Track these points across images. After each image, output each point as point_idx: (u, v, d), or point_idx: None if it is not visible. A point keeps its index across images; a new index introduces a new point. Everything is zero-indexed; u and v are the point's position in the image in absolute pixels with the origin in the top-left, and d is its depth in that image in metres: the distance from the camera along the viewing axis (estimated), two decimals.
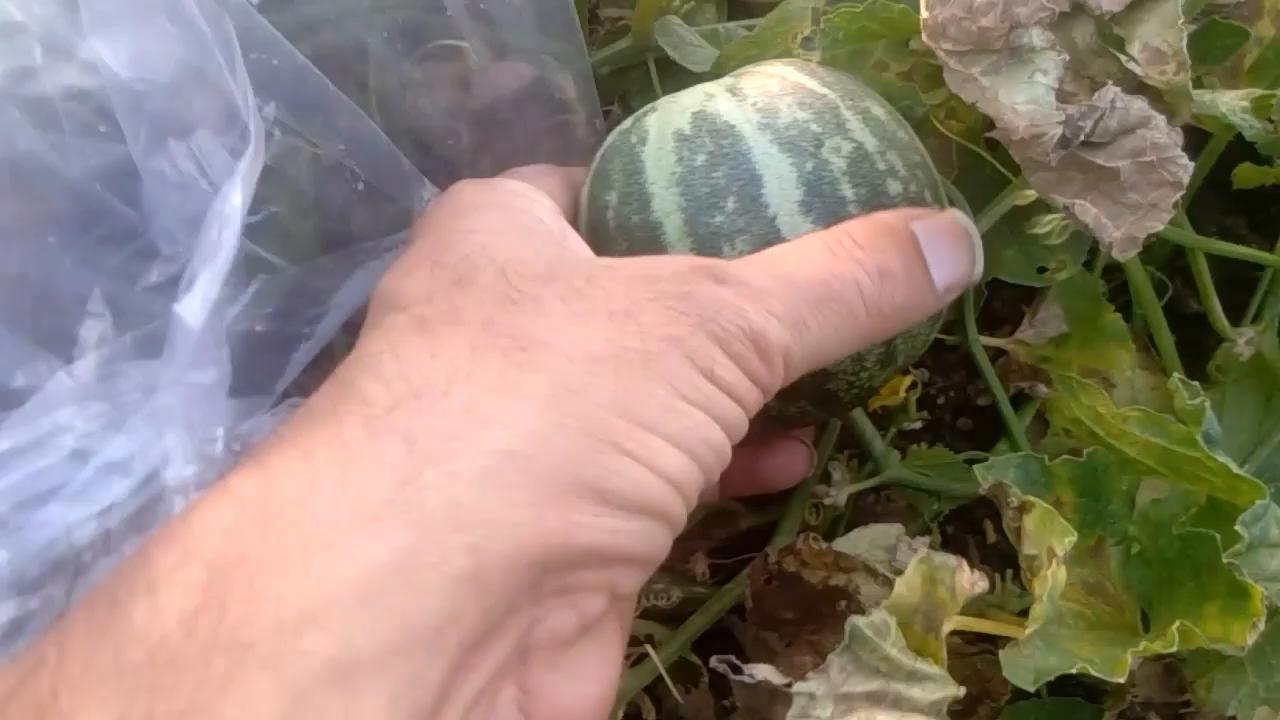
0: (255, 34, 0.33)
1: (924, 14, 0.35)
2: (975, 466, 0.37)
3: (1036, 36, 0.34)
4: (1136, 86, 0.35)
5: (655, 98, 0.54)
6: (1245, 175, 0.50)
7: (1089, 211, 0.35)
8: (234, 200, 0.28)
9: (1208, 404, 0.34)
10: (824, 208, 0.36)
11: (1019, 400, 0.52)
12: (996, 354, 0.52)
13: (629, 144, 0.39)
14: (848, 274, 0.33)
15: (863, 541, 0.40)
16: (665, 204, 0.37)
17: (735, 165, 0.37)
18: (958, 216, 0.37)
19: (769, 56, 0.45)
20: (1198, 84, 0.44)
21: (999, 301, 0.55)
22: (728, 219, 0.36)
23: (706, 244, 0.36)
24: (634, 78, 0.57)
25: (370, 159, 0.38)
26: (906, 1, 0.38)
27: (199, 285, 0.27)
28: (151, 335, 0.30)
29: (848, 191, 0.36)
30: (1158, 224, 0.34)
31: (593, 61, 0.54)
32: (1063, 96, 0.35)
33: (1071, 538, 0.32)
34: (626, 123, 0.41)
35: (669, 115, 0.39)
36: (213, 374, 0.28)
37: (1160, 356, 0.51)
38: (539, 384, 0.28)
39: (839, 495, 0.43)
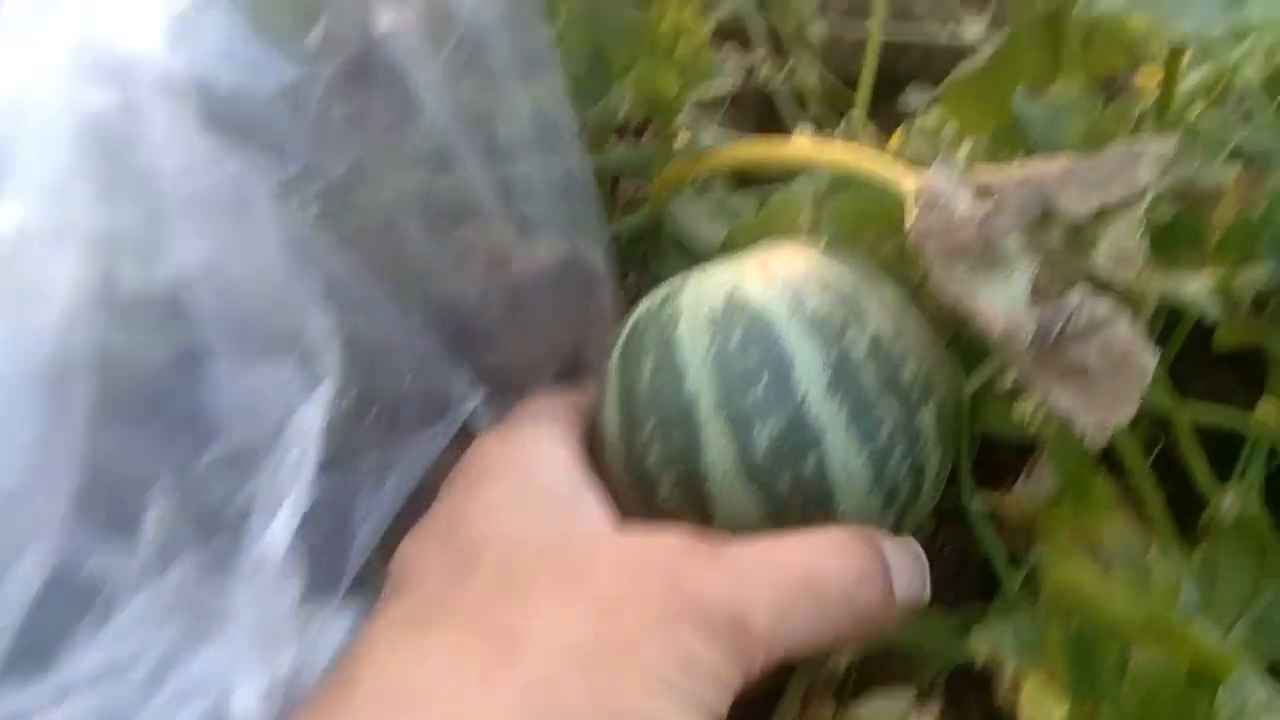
0: (321, 252, 0.38)
1: (909, 219, 0.39)
2: (972, 636, 0.39)
3: (1011, 243, 0.38)
4: (1104, 284, 0.39)
5: (672, 263, 0.59)
6: (1223, 338, 0.53)
7: (1064, 400, 0.38)
8: (313, 425, 0.32)
9: (1184, 576, 0.37)
10: (847, 392, 0.40)
11: (1016, 556, 0.54)
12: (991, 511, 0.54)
13: (662, 320, 0.42)
14: (833, 572, 0.36)
15: (874, 712, 0.42)
16: (699, 382, 0.40)
17: (767, 348, 0.40)
18: (914, 546, 0.41)
19: (773, 236, 0.50)
20: (1172, 264, 0.48)
21: (991, 460, 0.58)
22: (759, 400, 0.39)
23: (739, 421, 0.39)
24: (651, 244, 0.62)
25: (415, 360, 0.43)
26: None
27: (282, 514, 0.31)
28: (225, 544, 0.33)
29: (869, 378, 0.40)
30: (1125, 416, 0.37)
31: (612, 231, 0.59)
32: (1038, 289, 0.39)
33: (1064, 708, 0.35)
34: (656, 297, 0.45)
35: (701, 294, 0.42)
36: (288, 600, 0.31)
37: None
38: (516, 681, 0.30)
39: (839, 661, 0.45)
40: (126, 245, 0.38)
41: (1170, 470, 0.56)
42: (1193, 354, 0.60)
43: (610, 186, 0.63)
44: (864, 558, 0.37)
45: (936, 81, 0.69)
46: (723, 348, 0.40)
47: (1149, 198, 0.38)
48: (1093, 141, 0.48)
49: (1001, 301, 0.37)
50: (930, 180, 0.39)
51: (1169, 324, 0.49)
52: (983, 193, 0.39)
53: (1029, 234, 0.39)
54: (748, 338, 0.40)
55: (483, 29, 0.44)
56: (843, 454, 0.39)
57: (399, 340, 0.44)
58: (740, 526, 0.40)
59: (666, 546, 0.35)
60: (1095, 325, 0.38)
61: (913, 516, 0.43)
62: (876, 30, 0.61)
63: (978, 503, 0.53)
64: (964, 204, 0.37)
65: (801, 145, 0.47)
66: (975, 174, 0.40)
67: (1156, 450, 0.57)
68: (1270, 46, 0.53)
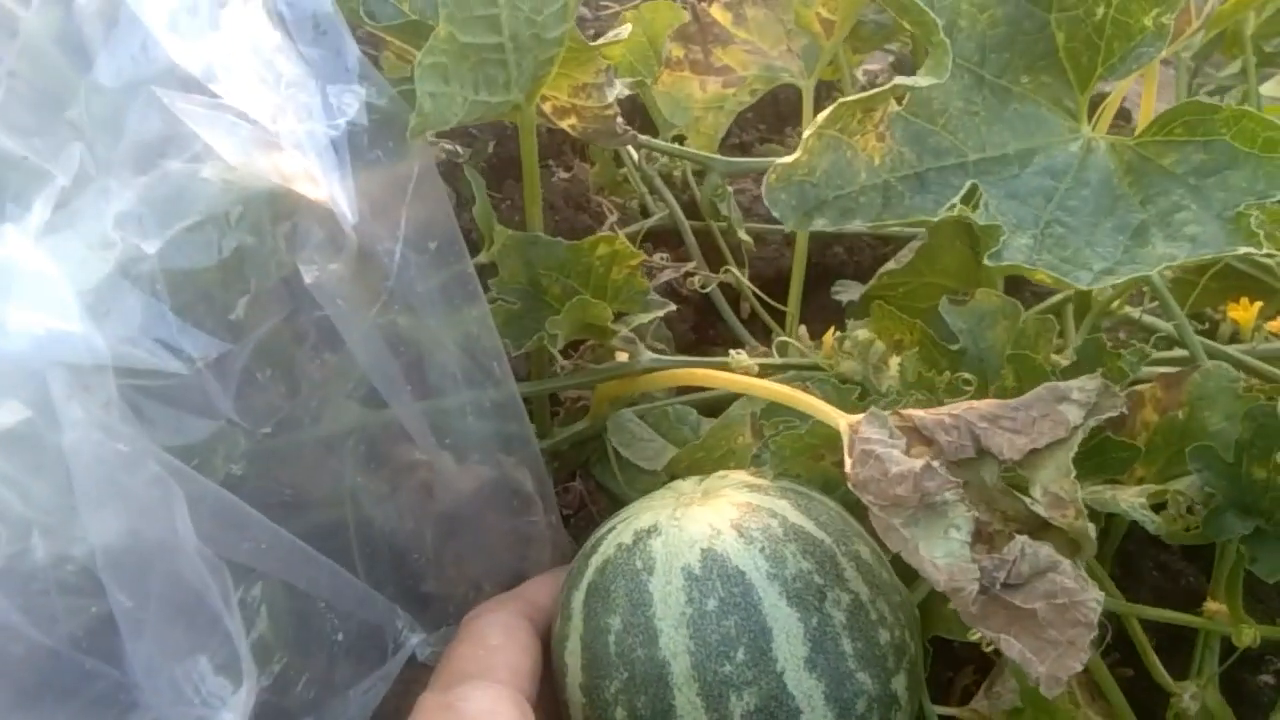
0: (245, 520, 0.36)
1: (848, 468, 0.39)
2: None
3: (950, 494, 0.38)
4: (1042, 524, 0.39)
5: (613, 472, 0.58)
6: (1173, 532, 0.54)
7: (1014, 647, 0.37)
8: None
9: None
10: (827, 664, 0.39)
11: None
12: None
13: (634, 568, 0.41)
14: None
15: None
16: (674, 644, 0.39)
17: (746, 616, 0.39)
18: None
19: (714, 459, 0.50)
20: (1104, 476, 0.49)
21: (940, 665, 0.57)
22: (737, 669, 0.38)
23: (713, 690, 0.38)
24: (594, 451, 0.61)
25: (349, 608, 0.41)
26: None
27: None
28: None
29: (847, 647, 0.39)
30: (1077, 664, 0.36)
31: (554, 440, 0.58)
32: (980, 529, 0.39)
33: None
34: (625, 536, 0.43)
35: (677, 547, 0.41)
36: None
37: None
38: None
39: None
40: (38, 526, 0.37)
41: (1138, 667, 0.56)
42: (1144, 537, 0.60)
43: (552, 396, 0.63)
44: None
45: (865, 271, 0.72)
46: (700, 609, 0.39)
47: (1078, 439, 0.38)
48: (1019, 345, 0.49)
49: (942, 555, 0.37)
50: (863, 430, 0.39)
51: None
52: (915, 442, 0.39)
53: (963, 473, 0.40)
54: (727, 602, 0.39)
55: (412, 272, 0.44)
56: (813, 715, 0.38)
57: (330, 589, 0.43)
58: None
59: None
60: (1038, 571, 0.37)
61: None
62: (804, 238, 0.63)
63: (934, 716, 0.52)
64: (898, 458, 0.37)
65: (734, 376, 0.47)
66: (906, 415, 0.41)
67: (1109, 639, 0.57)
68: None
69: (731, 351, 0.51)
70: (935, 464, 0.37)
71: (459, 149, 0.68)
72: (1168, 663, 0.53)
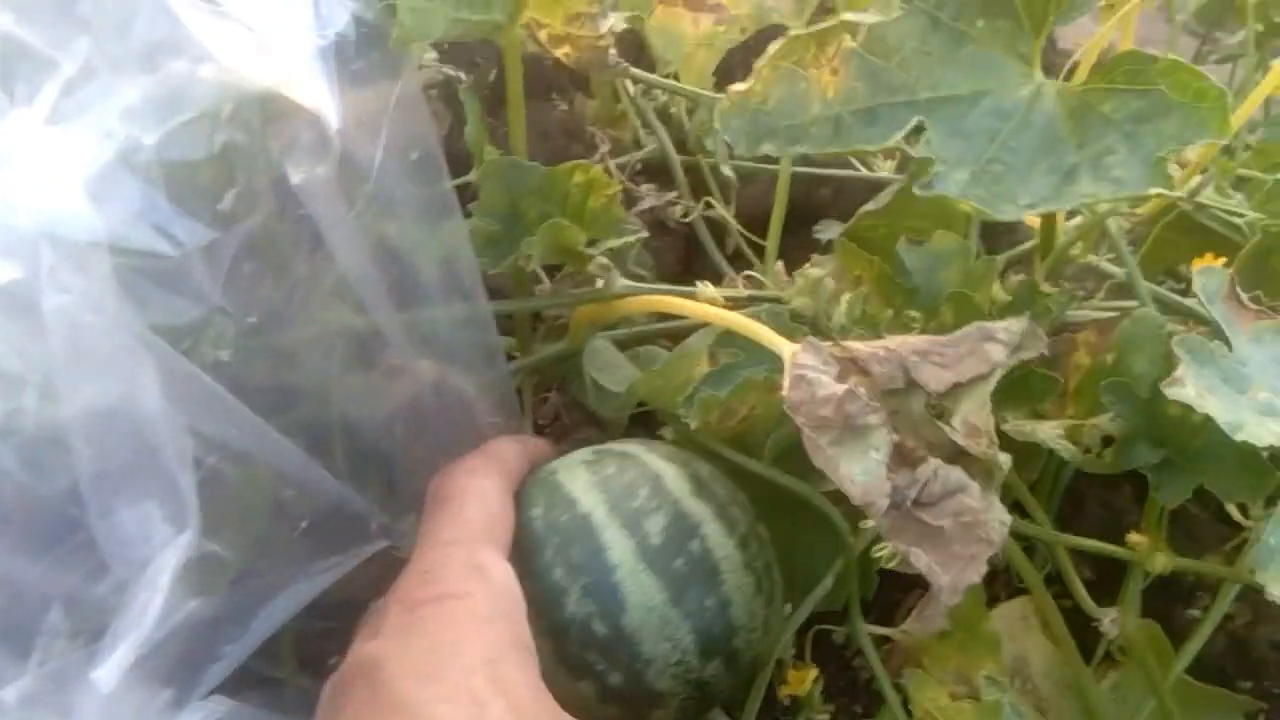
0: (219, 404, 0.40)
1: (785, 392, 0.42)
2: None
3: (872, 417, 0.41)
4: (959, 451, 0.42)
5: (586, 391, 0.61)
6: (1086, 460, 0.56)
7: (921, 559, 0.40)
8: (162, 580, 0.34)
9: (1005, 700, 0.40)
10: (708, 496, 0.48)
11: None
12: (884, 639, 0.57)
13: (539, 476, 0.49)
14: None
15: None
16: (589, 500, 0.46)
17: (639, 468, 0.48)
18: None
19: (673, 386, 0.52)
20: (1033, 410, 0.52)
21: (891, 588, 0.60)
22: (643, 502, 0.46)
23: (631, 520, 0.46)
24: (570, 366, 0.64)
25: (318, 499, 0.45)
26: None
27: (117, 654, 0.33)
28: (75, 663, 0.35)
29: (718, 489, 0.49)
30: (975, 576, 0.39)
31: (535, 356, 0.61)
32: (903, 453, 0.42)
33: None
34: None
35: (570, 460, 0.49)
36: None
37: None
38: None
39: None
40: (32, 384, 0.40)
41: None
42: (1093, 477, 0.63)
43: (535, 316, 0.66)
44: None
45: (851, 213, 0.74)
46: (602, 473, 0.48)
47: (998, 375, 0.41)
48: (967, 285, 0.51)
49: (860, 472, 0.40)
50: (799, 356, 0.42)
51: None
52: (847, 369, 0.42)
53: (893, 402, 0.42)
54: (622, 465, 0.48)
55: (391, 182, 0.47)
56: (717, 537, 0.46)
57: (302, 478, 0.46)
58: (648, 610, 0.44)
59: None
60: (949, 491, 0.40)
61: (775, 610, 0.49)
62: (786, 171, 0.65)
63: (865, 634, 0.55)
64: (826, 383, 0.40)
65: (696, 305, 0.50)
66: (846, 346, 0.43)
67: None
68: (1135, 200, 0.57)
69: (698, 283, 0.53)
70: (857, 389, 0.40)
71: (461, 74, 0.70)
72: (1107, 597, 0.55)
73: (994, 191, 0.42)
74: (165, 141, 0.41)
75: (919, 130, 0.43)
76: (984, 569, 0.40)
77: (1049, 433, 0.47)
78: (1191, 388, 0.40)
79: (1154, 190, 0.40)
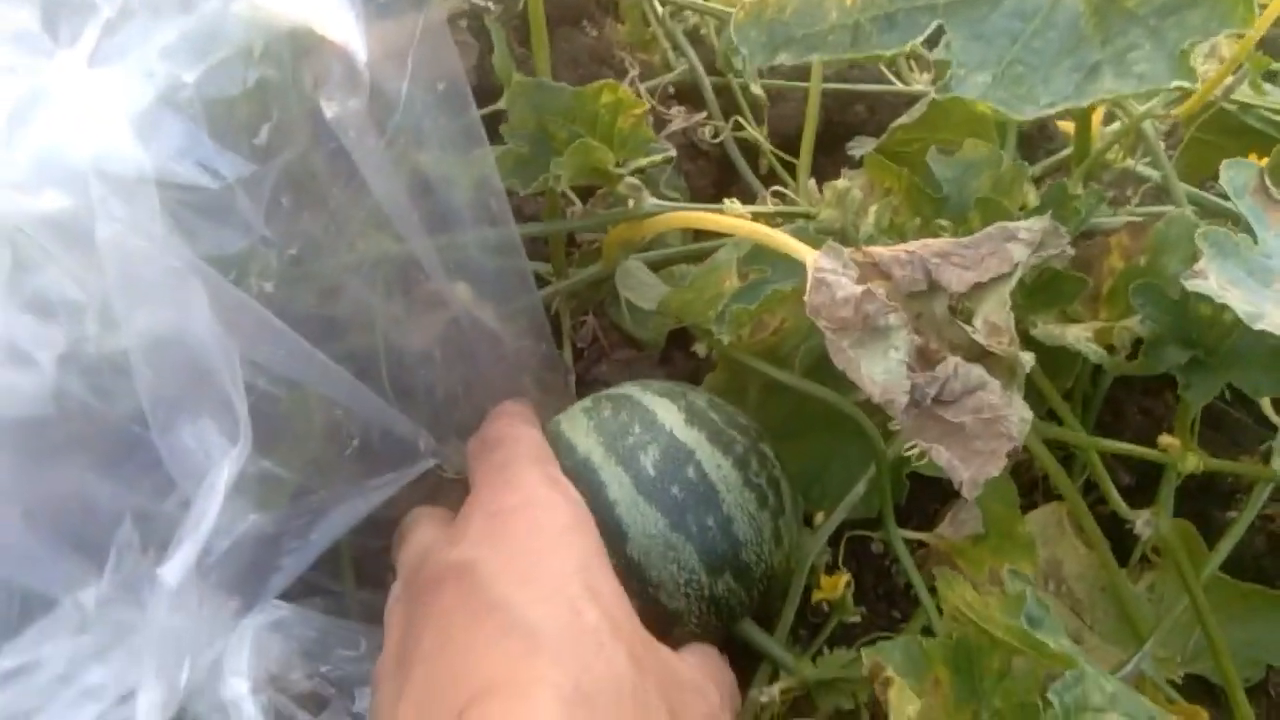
0: (268, 330, 0.42)
1: (806, 296, 0.43)
2: (862, 650, 0.43)
3: (892, 318, 0.42)
4: (982, 351, 0.43)
5: (622, 313, 0.63)
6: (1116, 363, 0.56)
7: (943, 455, 0.41)
8: (219, 486, 0.36)
9: (1028, 590, 0.41)
10: (701, 423, 0.49)
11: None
12: (920, 544, 0.58)
13: (548, 433, 0.51)
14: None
15: None
16: (587, 444, 0.49)
17: (632, 409, 0.49)
18: None
19: (705, 299, 0.53)
20: (1065, 311, 0.52)
21: (928, 497, 0.61)
22: (637, 438, 0.48)
23: (626, 456, 0.47)
24: (606, 289, 0.66)
25: (367, 421, 0.47)
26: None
27: (181, 553, 0.35)
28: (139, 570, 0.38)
29: (715, 416, 0.50)
30: (995, 470, 0.40)
31: (571, 280, 0.63)
32: (926, 355, 0.43)
33: (915, 706, 0.38)
34: None
35: (572, 410, 0.52)
36: (185, 620, 0.36)
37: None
38: None
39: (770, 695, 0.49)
40: (90, 316, 0.43)
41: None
42: (1131, 380, 0.63)
43: (570, 239, 0.67)
44: None
45: (884, 129, 0.73)
46: (598, 418, 0.50)
47: (1019, 274, 0.41)
48: (997, 192, 0.51)
49: (880, 372, 0.41)
50: (820, 262, 0.42)
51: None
52: (867, 272, 0.42)
53: (916, 305, 0.43)
54: (616, 407, 0.50)
55: (420, 112, 0.48)
56: (712, 461, 0.48)
57: (351, 400, 0.49)
58: (650, 538, 0.46)
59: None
60: (969, 389, 0.41)
61: (786, 521, 0.50)
62: (816, 87, 0.65)
63: (898, 538, 0.57)
64: (845, 285, 0.41)
65: (721, 218, 0.51)
66: (868, 251, 0.44)
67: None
68: (1170, 102, 0.56)
69: (725, 200, 0.54)
70: (875, 289, 0.41)
71: (490, 3, 0.71)
72: (1145, 503, 0.56)
73: (1014, 93, 0.41)
74: (203, 79, 0.43)
75: (939, 35, 0.43)
76: (1003, 463, 0.40)
77: (1077, 335, 0.47)
78: (1214, 280, 0.40)
79: (1179, 83, 0.39)
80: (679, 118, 0.61)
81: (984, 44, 0.43)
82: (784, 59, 0.43)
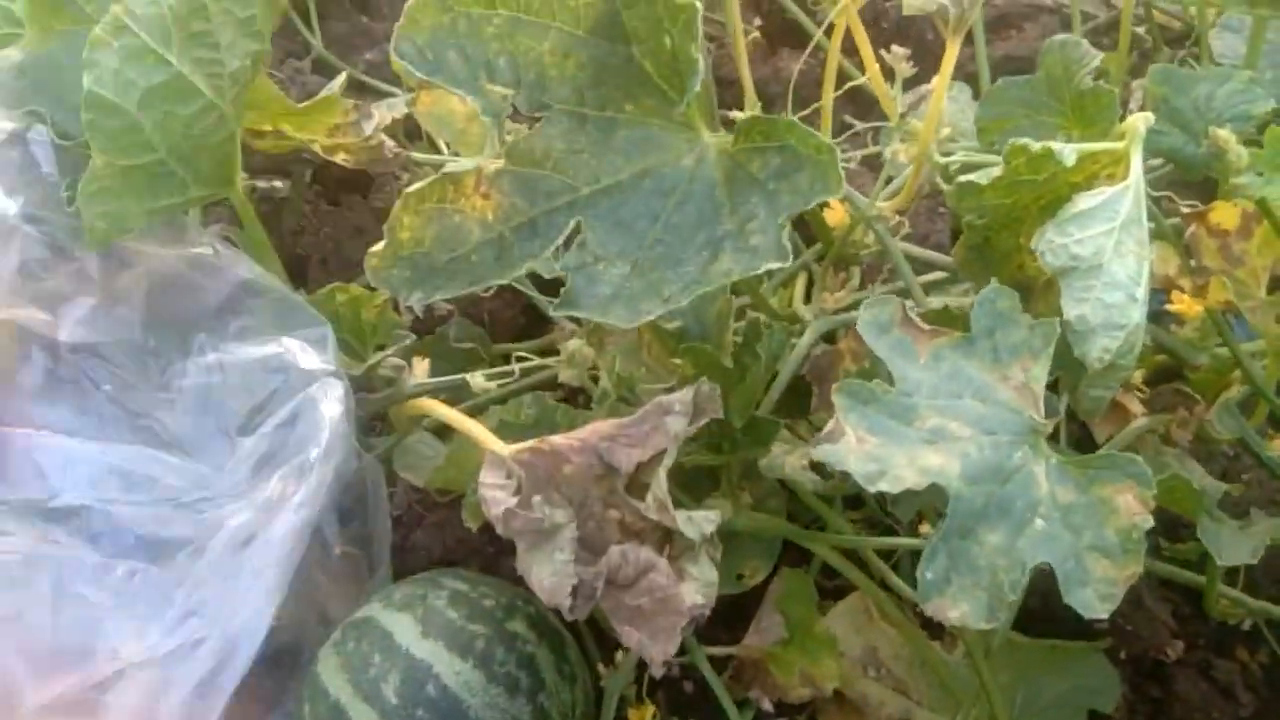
0: None
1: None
2: None
3: (559, 515, 0.44)
4: (654, 525, 0.45)
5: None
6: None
7: (633, 636, 0.43)
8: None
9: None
10: (438, 627, 0.50)
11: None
12: (729, 657, 0.60)
13: (306, 677, 0.52)
14: None
15: None
16: (336, 684, 0.50)
17: (373, 634, 0.51)
18: None
19: (466, 475, 0.55)
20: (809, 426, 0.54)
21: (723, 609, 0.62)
22: (378, 669, 0.49)
23: (372, 691, 0.49)
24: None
25: None
26: None
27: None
28: None
29: (452, 614, 0.51)
30: (672, 648, 0.42)
31: (377, 451, 0.65)
32: (594, 544, 0.44)
33: None
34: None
35: (325, 646, 0.53)
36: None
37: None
38: None
39: None
40: None
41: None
42: None
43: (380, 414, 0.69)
44: None
45: None
46: (344, 653, 0.51)
47: (677, 445, 0.43)
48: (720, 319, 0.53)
49: (548, 574, 0.43)
50: (484, 475, 0.45)
51: None
52: (551, 464, 0.44)
53: (600, 488, 0.45)
54: (359, 636, 0.51)
55: None
56: (450, 670, 0.49)
57: None
58: None
59: None
60: (641, 572, 0.43)
61: (550, 692, 0.50)
62: None
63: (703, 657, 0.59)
64: (503, 497, 0.43)
65: (444, 409, 0.54)
66: (550, 441, 0.46)
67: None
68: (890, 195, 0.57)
69: (466, 376, 0.57)
70: (532, 498, 0.43)
71: (276, 183, 0.74)
72: None
73: (648, 281, 0.43)
74: None
75: (577, 233, 0.45)
76: (680, 639, 0.42)
77: (794, 464, 0.49)
78: (852, 433, 0.41)
79: (772, 265, 0.41)
80: None
81: (623, 231, 0.45)
82: (440, 297, 0.44)
